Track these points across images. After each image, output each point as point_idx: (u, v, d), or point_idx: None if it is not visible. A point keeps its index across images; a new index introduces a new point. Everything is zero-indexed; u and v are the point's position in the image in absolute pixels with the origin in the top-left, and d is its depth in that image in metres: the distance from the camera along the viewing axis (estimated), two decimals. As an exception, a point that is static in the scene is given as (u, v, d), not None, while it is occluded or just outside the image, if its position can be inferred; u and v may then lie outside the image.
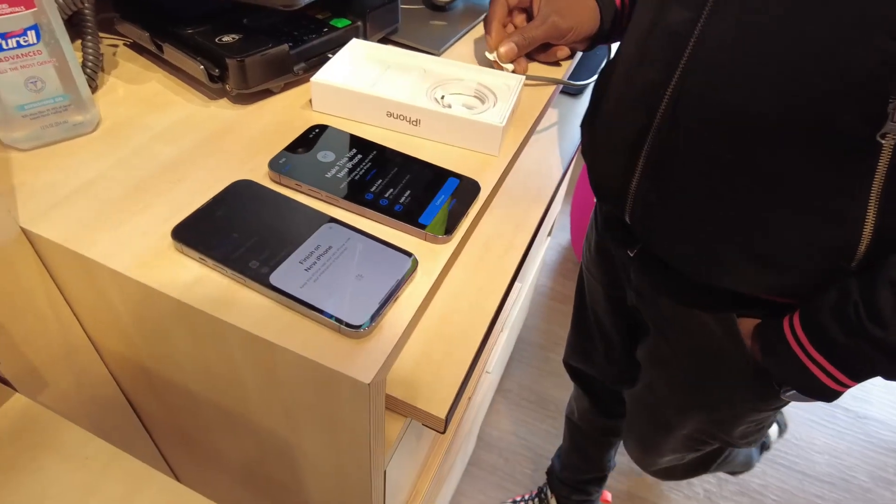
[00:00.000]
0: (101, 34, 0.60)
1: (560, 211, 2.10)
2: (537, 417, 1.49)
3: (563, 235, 2.02)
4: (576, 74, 0.75)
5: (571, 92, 0.84)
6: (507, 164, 0.50)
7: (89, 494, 0.38)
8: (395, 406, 0.46)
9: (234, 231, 0.40)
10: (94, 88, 0.53)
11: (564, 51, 0.62)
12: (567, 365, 1.03)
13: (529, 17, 0.61)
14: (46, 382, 0.47)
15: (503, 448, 1.42)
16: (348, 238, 0.40)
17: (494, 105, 0.53)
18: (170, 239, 0.40)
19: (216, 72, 0.51)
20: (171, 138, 0.49)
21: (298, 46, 0.54)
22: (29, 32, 0.42)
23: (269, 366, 0.37)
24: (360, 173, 0.46)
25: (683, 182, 0.53)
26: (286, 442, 0.46)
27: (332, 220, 0.42)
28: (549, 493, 1.28)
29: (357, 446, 0.40)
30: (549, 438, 1.45)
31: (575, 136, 0.75)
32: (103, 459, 0.40)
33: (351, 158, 0.47)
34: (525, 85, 0.59)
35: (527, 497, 1.30)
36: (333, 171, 0.45)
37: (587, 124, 0.67)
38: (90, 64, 0.52)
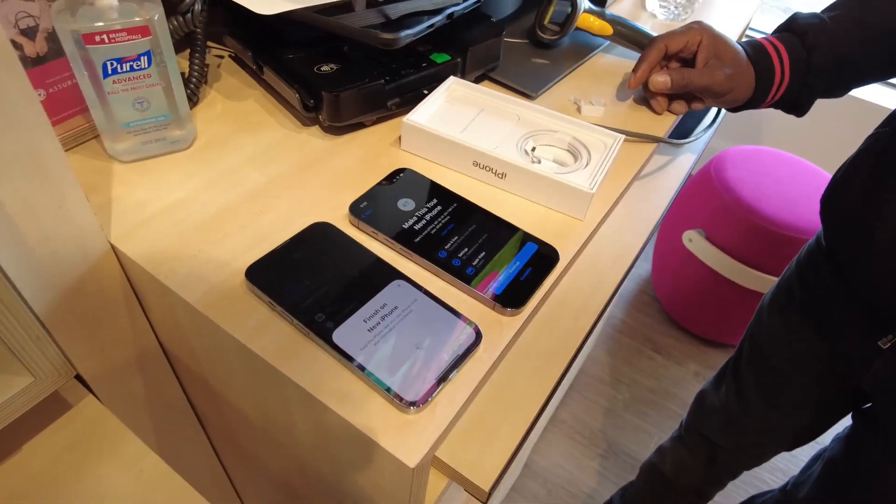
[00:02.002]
0: (211, 43, 0.63)
1: (642, 240, 2.02)
2: (587, 454, 1.45)
3: (644, 266, 1.94)
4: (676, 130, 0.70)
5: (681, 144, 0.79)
6: (593, 231, 0.48)
7: (133, 499, 0.39)
8: (440, 466, 0.45)
9: (305, 278, 0.40)
10: (195, 102, 0.55)
11: (700, 105, 0.61)
12: (692, 429, 0.96)
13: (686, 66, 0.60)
14: (119, 383, 0.49)
15: (547, 479, 1.39)
16: (415, 300, 0.39)
17: (587, 164, 0.50)
18: (242, 277, 0.40)
19: (311, 102, 0.51)
20: (260, 163, 0.50)
21: (394, 81, 0.53)
22: (142, 58, 0.44)
23: (321, 420, 0.37)
24: (437, 227, 0.45)
25: None
26: (331, 484, 0.46)
27: (402, 276, 0.41)
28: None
29: (396, 512, 0.39)
30: (596, 477, 1.40)
31: (668, 188, 0.71)
32: (155, 474, 0.41)
33: (430, 209, 0.46)
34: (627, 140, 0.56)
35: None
36: (411, 223, 0.45)
37: (844, 208, 0.63)
38: (194, 79, 0.54)
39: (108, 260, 0.42)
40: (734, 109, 0.62)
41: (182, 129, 0.50)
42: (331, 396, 0.35)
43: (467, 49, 0.57)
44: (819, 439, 0.84)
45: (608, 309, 1.73)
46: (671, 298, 1.72)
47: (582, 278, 0.58)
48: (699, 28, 0.57)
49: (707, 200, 1.49)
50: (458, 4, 0.56)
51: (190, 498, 0.40)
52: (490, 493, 0.43)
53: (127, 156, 0.49)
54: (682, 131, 0.71)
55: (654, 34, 0.62)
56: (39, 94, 0.47)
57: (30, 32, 0.45)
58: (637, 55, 0.65)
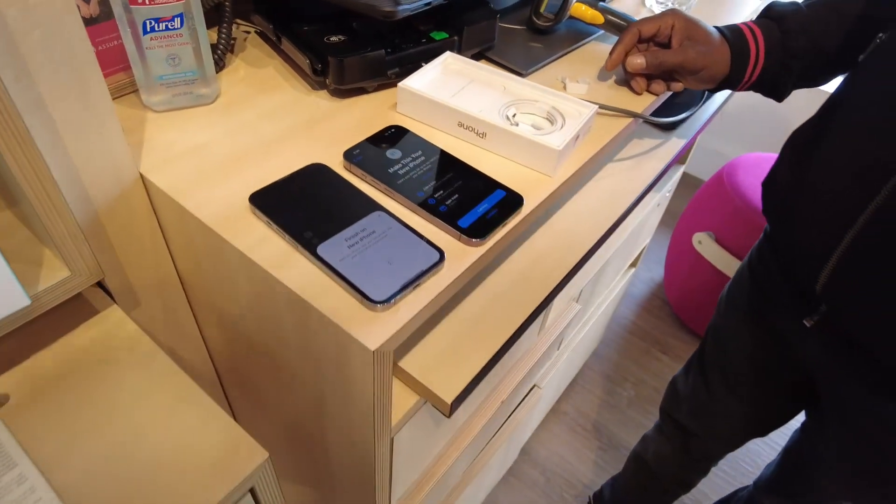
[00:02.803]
0: (240, 20, 0.71)
1: (653, 243, 2.05)
2: (588, 446, 1.48)
3: (657, 270, 1.96)
4: (666, 111, 0.75)
5: (663, 126, 0.84)
6: (560, 186, 0.53)
7: (146, 395, 0.46)
8: (412, 384, 0.51)
9: (299, 204, 0.47)
10: (221, 67, 0.63)
11: (678, 85, 0.65)
12: (665, 413, 1.00)
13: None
14: (139, 303, 0.57)
15: (547, 467, 1.42)
16: (391, 227, 0.46)
17: (562, 128, 0.56)
18: (248, 203, 0.47)
19: (319, 66, 0.58)
20: (273, 118, 0.57)
21: (395, 53, 0.60)
22: (176, 19, 0.52)
23: (305, 320, 0.44)
24: (419, 173, 0.51)
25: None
26: (315, 393, 0.52)
27: (382, 209, 0.47)
28: (585, 519, 1.27)
29: (365, 406, 0.45)
30: (595, 469, 1.43)
31: (650, 170, 0.76)
32: (165, 373, 0.48)
33: (415, 159, 0.52)
34: (602, 115, 0.61)
35: (561, 518, 1.30)
36: (396, 168, 0.51)
37: (778, 188, 0.66)
38: (221, 47, 0.62)
39: (137, 187, 0.50)
40: (713, 90, 0.67)
41: (208, 87, 0.58)
42: (313, 296, 0.41)
43: (464, 28, 0.64)
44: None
45: (619, 310, 1.76)
46: (681, 301, 1.75)
47: (558, 242, 0.64)
48: (672, 13, 0.63)
49: (718, 205, 1.52)
50: (456, -12, 0.62)
51: (192, 392, 0.47)
52: (452, 407, 0.49)
53: (160, 106, 0.57)
54: (679, 125, 0.76)
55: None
56: (90, 51, 0.55)
57: (85, -5, 0.53)
58: (625, 42, 0.70)
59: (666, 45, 0.64)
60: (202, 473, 0.42)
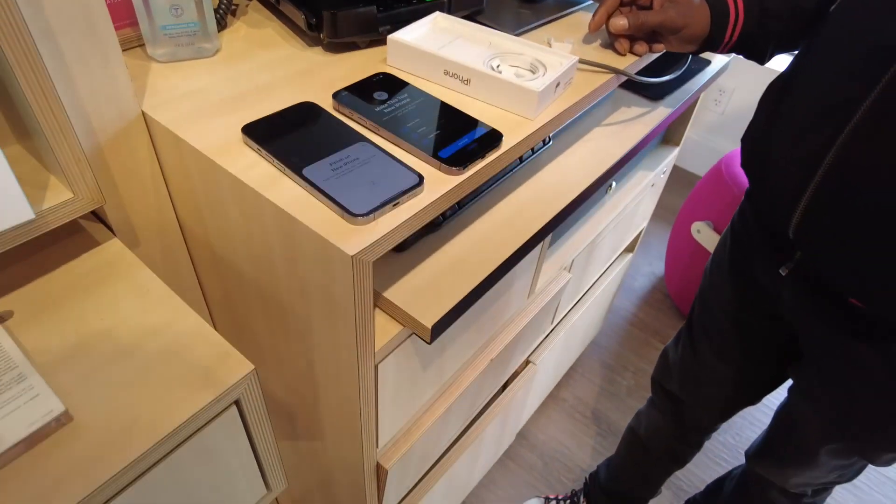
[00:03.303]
0: (241, -12, 0.74)
1: (654, 238, 2.06)
2: (587, 433, 1.48)
3: (659, 265, 1.97)
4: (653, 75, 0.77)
5: (651, 95, 0.86)
6: (539, 129, 0.56)
7: (141, 313, 0.48)
8: (394, 313, 0.53)
9: (288, 135, 0.49)
10: (223, 27, 0.66)
11: (660, 46, 0.68)
12: (656, 384, 1.01)
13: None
14: (139, 242, 0.59)
15: (545, 452, 1.43)
16: (374, 155, 0.48)
17: (543, 76, 0.59)
18: (241, 134, 0.50)
19: (313, 21, 0.61)
20: (269, 69, 0.60)
21: (386, 11, 0.63)
22: (178, -32, 0.55)
23: (290, 238, 0.46)
24: (404, 112, 0.54)
25: (862, 201, 0.53)
26: (303, 321, 0.55)
27: (366, 139, 0.50)
28: (582, 499, 1.28)
29: (348, 325, 0.48)
30: (593, 455, 1.44)
31: (635, 134, 0.78)
32: (161, 295, 0.51)
33: (400, 100, 0.55)
34: (586, 70, 0.64)
35: (560, 497, 1.31)
36: (382, 107, 0.54)
37: (754, 137, 0.68)
38: (222, 8, 0.65)
39: (138, 124, 0.53)
40: (696, 52, 0.69)
41: (209, 41, 0.61)
42: (298, 211, 0.44)
43: (453, -9, 0.67)
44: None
45: (621, 303, 1.77)
46: (681, 292, 1.75)
47: (542, 195, 0.66)
48: None
49: (716, 195, 1.54)
50: (445, -49, 0.65)
51: (185, 311, 0.50)
52: (433, 332, 0.51)
53: (163, 57, 0.60)
54: (668, 95, 0.77)
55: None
56: (98, 5, 0.59)
57: (95, -49, 0.57)
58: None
59: (648, 8, 0.67)
60: (191, 381, 0.44)
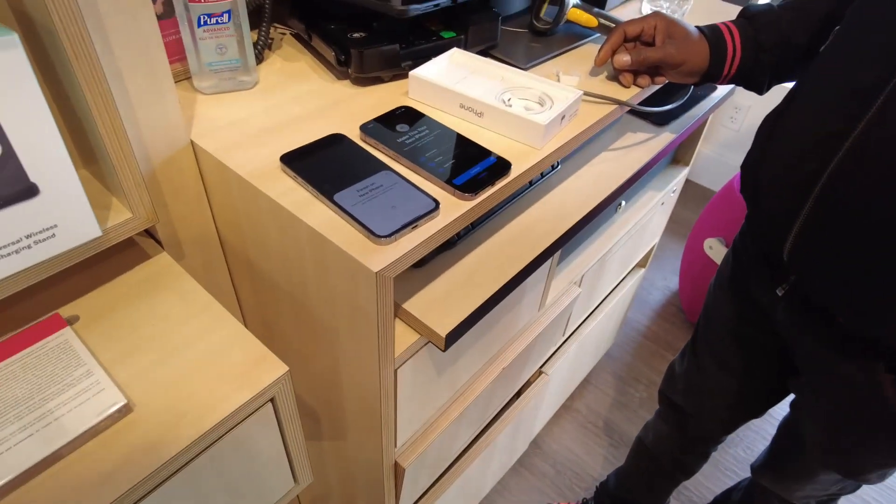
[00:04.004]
0: (277, 25, 0.81)
1: (669, 252, 2.09)
2: (599, 443, 1.52)
3: (673, 279, 2.00)
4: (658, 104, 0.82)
5: (656, 121, 0.91)
6: (545, 158, 0.61)
7: (187, 319, 0.55)
8: (412, 323, 0.59)
9: (321, 164, 0.56)
10: (260, 60, 0.73)
11: (662, 79, 0.74)
12: (663, 395, 1.05)
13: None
14: (184, 255, 0.66)
15: (557, 460, 1.47)
16: (395, 182, 0.54)
17: (550, 109, 0.64)
18: (279, 162, 0.56)
19: (342, 57, 0.68)
20: (301, 101, 0.67)
21: (408, 48, 0.70)
22: (224, 14, 0.62)
23: (321, 254, 0.52)
24: (423, 143, 0.60)
25: (849, 229, 0.57)
26: (330, 329, 0.61)
27: (389, 168, 0.56)
28: (591, 507, 1.32)
29: (371, 332, 0.53)
30: (605, 465, 1.47)
31: (640, 159, 0.83)
32: (204, 303, 0.57)
33: (420, 132, 0.61)
34: (590, 102, 0.69)
35: (569, 507, 1.34)
36: (403, 138, 0.60)
37: (750, 164, 0.72)
38: (260, 43, 0.72)
39: (187, 151, 0.60)
40: (697, 84, 0.74)
41: (248, 75, 0.68)
42: (328, 231, 0.50)
43: (469, 28, 0.73)
44: (789, 404, 0.91)
45: (634, 316, 1.80)
46: (694, 307, 1.78)
47: (551, 215, 0.71)
48: (655, 15, 0.71)
49: (728, 211, 1.57)
50: (463, -7, 0.72)
51: (226, 318, 0.56)
52: (447, 340, 0.56)
53: (208, 90, 0.67)
54: (672, 121, 0.82)
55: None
56: (152, 43, 0.66)
57: (151, -3, 0.64)
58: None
59: (651, 44, 0.72)
60: (231, 380, 0.50)
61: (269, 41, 0.77)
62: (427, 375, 0.67)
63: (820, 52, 0.65)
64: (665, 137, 0.88)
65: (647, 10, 0.94)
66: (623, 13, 0.96)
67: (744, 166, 0.74)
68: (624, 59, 0.71)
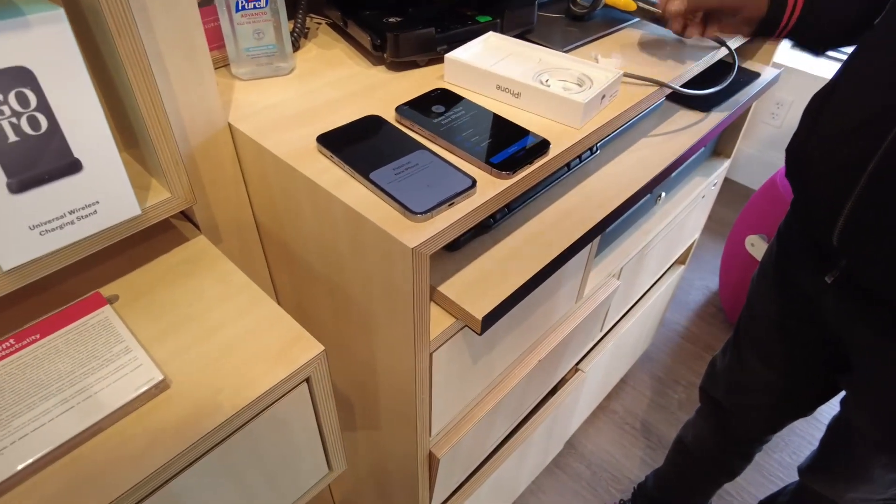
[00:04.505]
0: (313, 15, 0.82)
1: (709, 252, 2.03)
2: (636, 444, 1.48)
3: (713, 279, 1.95)
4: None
5: (698, 107, 0.88)
6: (584, 138, 0.60)
7: (225, 299, 0.55)
8: (448, 306, 0.58)
9: (357, 144, 0.55)
10: (297, 48, 0.74)
11: (713, 30, 0.70)
12: (703, 392, 1.01)
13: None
14: (221, 238, 0.67)
15: (593, 461, 1.43)
16: (431, 161, 0.53)
17: (589, 89, 0.63)
18: (315, 143, 0.56)
19: (378, 42, 0.68)
20: (337, 86, 0.67)
21: (444, 32, 0.69)
22: (261, 0, 0.62)
23: (357, 233, 0.52)
24: (459, 124, 0.59)
25: None
26: (365, 312, 0.60)
27: (425, 148, 0.55)
28: (628, 510, 1.28)
29: (406, 312, 0.53)
30: (642, 466, 1.43)
31: (682, 144, 0.80)
32: (241, 284, 0.57)
33: (456, 113, 0.60)
34: (631, 84, 0.67)
35: (606, 509, 1.31)
36: (439, 119, 0.59)
37: (796, 146, 0.69)
38: (296, 31, 0.73)
39: (224, 133, 0.60)
40: (752, 35, 0.70)
41: (285, 61, 0.68)
42: (364, 209, 0.49)
43: (504, 11, 0.72)
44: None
45: (673, 317, 1.76)
46: (734, 306, 1.73)
47: (590, 200, 0.69)
48: None
49: (772, 207, 1.52)
50: (499, -24, 0.71)
51: (262, 298, 0.56)
52: (483, 324, 0.55)
53: (245, 76, 0.68)
54: (715, 107, 0.79)
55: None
56: (192, 31, 0.67)
57: (191, -16, 0.65)
58: (659, 29, 0.76)
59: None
60: (267, 359, 0.50)
61: (306, 30, 0.78)
62: (462, 361, 0.66)
63: (874, 24, 0.62)
64: (707, 123, 0.85)
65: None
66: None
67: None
68: (677, 4, 0.67)
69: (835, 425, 0.84)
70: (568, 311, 0.86)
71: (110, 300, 0.55)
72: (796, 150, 0.68)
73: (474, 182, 0.51)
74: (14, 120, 0.41)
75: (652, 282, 1.25)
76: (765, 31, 0.69)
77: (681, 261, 1.40)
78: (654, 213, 1.01)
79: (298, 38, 0.74)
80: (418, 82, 0.68)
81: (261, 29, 0.65)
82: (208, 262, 0.59)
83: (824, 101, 0.65)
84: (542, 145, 0.56)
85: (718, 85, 0.78)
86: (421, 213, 0.48)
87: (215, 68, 0.69)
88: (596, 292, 0.92)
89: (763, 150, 2.30)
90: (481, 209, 0.51)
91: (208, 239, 0.64)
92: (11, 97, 0.41)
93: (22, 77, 0.41)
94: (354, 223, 0.51)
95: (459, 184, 0.51)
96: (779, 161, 2.26)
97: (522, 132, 0.58)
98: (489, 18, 0.72)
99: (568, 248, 0.63)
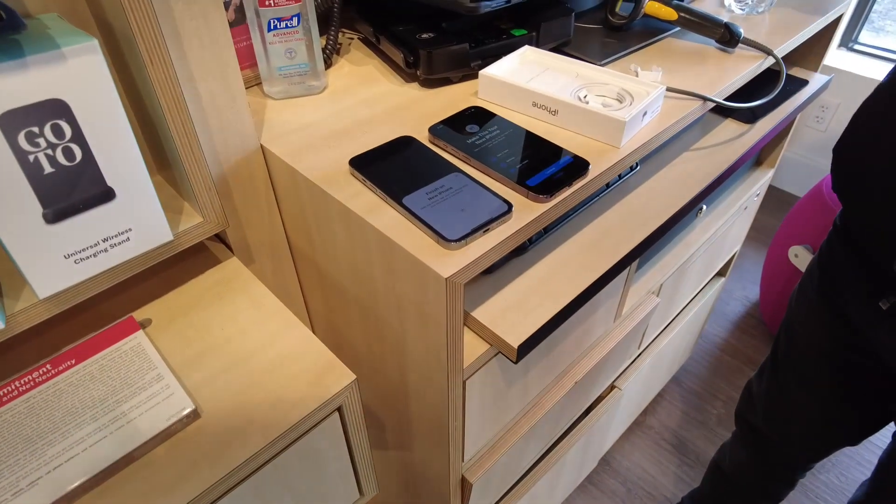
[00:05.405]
0: (345, 30, 0.81)
1: (749, 261, 1.97)
2: (672, 461, 1.43)
3: (753, 289, 1.88)
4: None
5: (743, 118, 0.85)
6: (625, 157, 0.57)
7: (257, 324, 0.54)
8: (482, 332, 0.56)
9: (389, 167, 0.54)
10: (329, 65, 0.73)
11: None
12: (740, 417, 0.97)
13: None
14: (253, 259, 0.66)
15: (628, 478, 1.40)
16: (466, 185, 0.52)
17: (630, 105, 0.60)
18: (347, 165, 0.55)
19: (411, 59, 0.66)
20: (370, 104, 0.66)
21: (478, 47, 0.67)
22: (294, 18, 0.62)
23: (390, 259, 0.50)
24: (494, 144, 0.57)
25: None
26: (398, 337, 0.59)
27: (459, 170, 0.53)
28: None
29: (439, 341, 0.51)
30: (678, 484, 1.39)
31: (726, 159, 0.77)
32: (273, 309, 0.56)
33: (490, 132, 0.58)
34: (673, 98, 0.65)
35: (641, 530, 1.27)
36: (473, 139, 0.57)
37: (851, 156, 0.64)
38: (329, 48, 0.72)
39: (257, 155, 0.60)
40: None
41: (317, 79, 0.68)
42: (397, 236, 0.48)
43: (541, 24, 0.70)
44: None
45: (712, 328, 1.71)
46: (776, 318, 1.67)
47: (631, 218, 0.67)
48: None
49: (817, 217, 1.46)
50: (535, -12, 0.69)
51: (295, 324, 0.55)
52: (519, 352, 0.53)
53: (278, 94, 0.67)
54: (761, 118, 0.76)
55: (720, 19, 0.71)
56: (225, 50, 0.67)
57: (225, 5, 0.65)
58: (701, 38, 0.73)
59: None
60: (299, 388, 0.49)
61: (338, 46, 0.77)
62: (496, 388, 0.64)
63: None
64: (752, 136, 0.82)
65: (728, 2, 0.88)
66: (703, 5, 0.90)
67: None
68: None
69: (887, 460, 0.79)
70: (606, 330, 0.83)
71: (143, 324, 0.55)
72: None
73: (510, 207, 0.49)
74: (50, 152, 0.41)
75: (691, 296, 1.21)
76: None
77: (721, 272, 1.35)
78: (694, 227, 0.98)
79: (331, 55, 0.73)
80: (452, 99, 0.66)
81: (293, 48, 0.64)
82: (241, 285, 0.59)
83: (889, 104, 0.59)
84: (581, 166, 0.54)
85: (765, 97, 0.75)
86: (455, 241, 0.46)
87: (247, 87, 0.69)
88: (634, 311, 0.89)
89: (807, 156, 2.21)
90: (517, 235, 0.49)
91: (241, 259, 0.64)
92: (47, 129, 0.41)
93: (57, 109, 0.41)
94: (387, 250, 0.50)
95: (495, 209, 0.49)
96: (823, 167, 2.17)
97: (560, 152, 0.56)
98: (524, 32, 0.70)
99: (607, 272, 0.61)
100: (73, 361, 0.50)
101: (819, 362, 0.77)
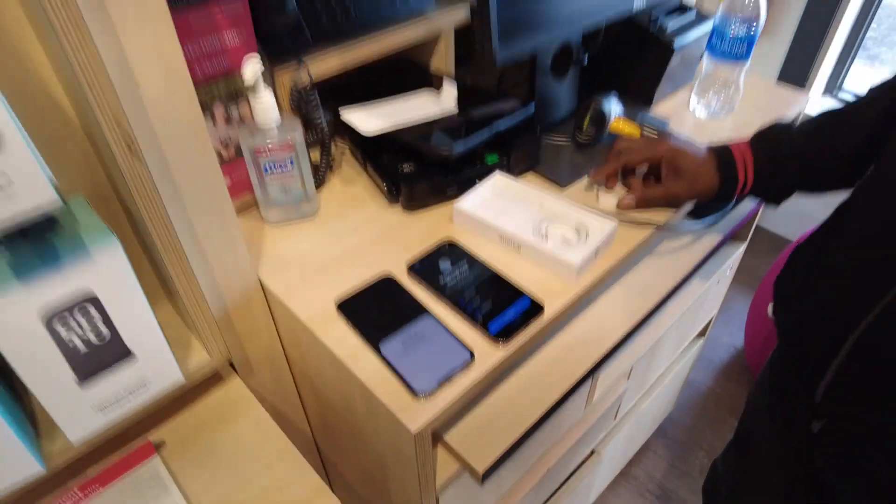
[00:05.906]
0: (339, 138, 0.89)
1: (738, 304, 2.02)
2: (658, 511, 1.50)
3: (739, 336, 1.94)
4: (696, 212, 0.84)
5: (688, 231, 0.92)
6: (581, 292, 0.65)
7: (256, 446, 0.62)
8: (453, 453, 0.63)
9: (370, 311, 0.62)
10: (322, 182, 0.81)
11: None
12: (706, 494, 1.00)
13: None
14: (253, 372, 0.74)
15: (614, 529, 1.46)
16: (436, 331, 0.60)
17: (586, 241, 0.68)
18: (335, 308, 0.63)
19: (394, 190, 0.74)
20: (357, 231, 0.74)
21: (454, 176, 0.75)
22: (288, 162, 0.70)
23: (369, 401, 0.58)
24: (463, 282, 0.65)
25: (890, 384, 0.52)
26: (379, 453, 0.66)
27: (430, 315, 0.61)
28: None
29: (412, 473, 0.59)
30: (664, 536, 1.45)
31: (687, 263, 0.84)
32: (273, 437, 0.64)
33: (461, 269, 0.66)
34: (626, 223, 0.72)
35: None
36: (446, 277, 0.65)
37: (786, 286, 0.69)
38: (322, 168, 0.80)
39: (256, 289, 0.68)
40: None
41: (310, 204, 0.76)
42: (374, 386, 0.56)
43: (511, 152, 0.78)
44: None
45: (697, 376, 1.76)
46: (760, 368, 1.73)
47: (588, 334, 0.74)
48: (660, 143, 0.72)
49: (795, 275, 1.52)
50: (506, 116, 0.76)
51: (288, 449, 0.63)
52: (483, 477, 0.61)
53: (274, 221, 0.75)
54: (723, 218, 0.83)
55: (678, 136, 0.78)
56: (227, 180, 0.75)
57: (227, 143, 0.73)
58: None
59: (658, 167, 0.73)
60: (291, 512, 0.57)
61: (332, 162, 0.85)
62: (470, 491, 0.71)
63: (857, 188, 0.64)
64: (714, 237, 0.89)
65: (694, 105, 0.96)
66: (669, 106, 0.97)
67: (779, 288, 0.73)
68: (627, 201, 0.73)
69: None
70: (577, 418, 0.90)
71: (157, 447, 0.63)
72: (785, 297, 0.69)
73: (472, 356, 0.57)
74: (83, 335, 0.49)
75: (668, 363, 1.28)
76: (720, 202, 0.73)
77: (701, 333, 1.42)
78: (665, 309, 1.04)
79: (325, 174, 0.81)
80: (431, 224, 0.74)
81: (288, 185, 0.72)
82: (243, 408, 0.66)
83: (823, 244, 0.65)
84: (537, 308, 0.62)
85: (722, 210, 0.82)
86: (423, 395, 0.54)
87: (247, 209, 0.77)
88: (606, 395, 0.96)
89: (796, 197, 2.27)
90: (478, 384, 0.57)
91: (242, 370, 0.72)
92: (81, 317, 0.49)
93: (88, 300, 0.49)
94: (367, 393, 0.57)
95: (458, 358, 0.57)
96: (811, 210, 2.24)
97: (518, 293, 0.63)
98: (496, 159, 0.78)
99: (570, 388, 0.68)
100: (99, 487, 0.58)
101: (773, 463, 0.80)
